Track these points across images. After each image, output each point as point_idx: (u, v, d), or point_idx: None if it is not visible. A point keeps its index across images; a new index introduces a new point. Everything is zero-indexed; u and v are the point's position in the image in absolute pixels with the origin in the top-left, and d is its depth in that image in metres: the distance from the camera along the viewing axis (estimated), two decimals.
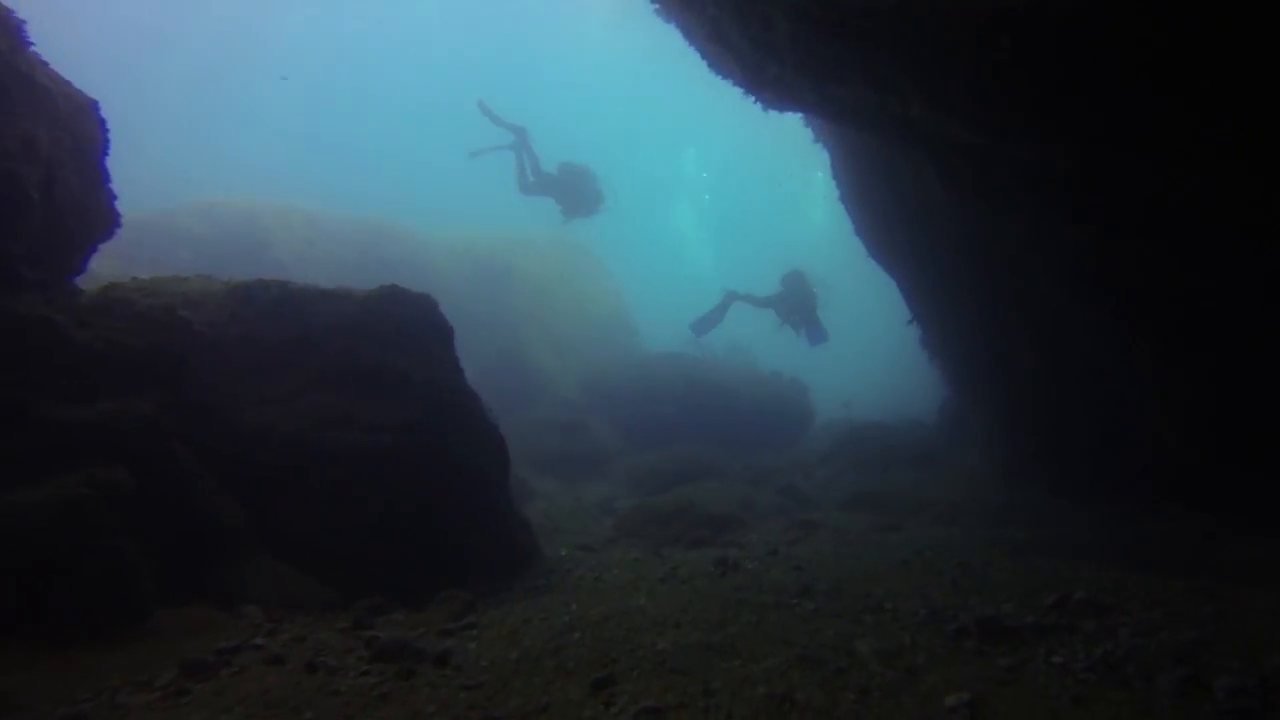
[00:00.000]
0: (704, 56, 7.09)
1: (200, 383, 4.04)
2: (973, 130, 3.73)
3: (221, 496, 3.77)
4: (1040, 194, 4.70)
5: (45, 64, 4.55)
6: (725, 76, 7.17)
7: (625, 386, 15.47)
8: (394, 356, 4.52)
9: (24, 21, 4.39)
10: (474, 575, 4.44)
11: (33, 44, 4.46)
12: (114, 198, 4.94)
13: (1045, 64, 3.05)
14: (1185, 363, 5.70)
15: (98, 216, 4.65)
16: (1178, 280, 4.66)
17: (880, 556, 5.39)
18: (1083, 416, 8.07)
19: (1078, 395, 7.95)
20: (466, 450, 4.63)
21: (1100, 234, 4.80)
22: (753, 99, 7.43)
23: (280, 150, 44.35)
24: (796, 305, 14.89)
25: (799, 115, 10.20)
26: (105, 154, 4.93)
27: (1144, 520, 6.70)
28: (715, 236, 57.81)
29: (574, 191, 15.53)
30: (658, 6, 7.27)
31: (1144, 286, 5.15)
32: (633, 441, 14.69)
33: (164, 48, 42.34)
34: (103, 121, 4.91)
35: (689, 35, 7.03)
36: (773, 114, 7.82)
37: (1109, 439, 7.96)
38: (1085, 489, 8.75)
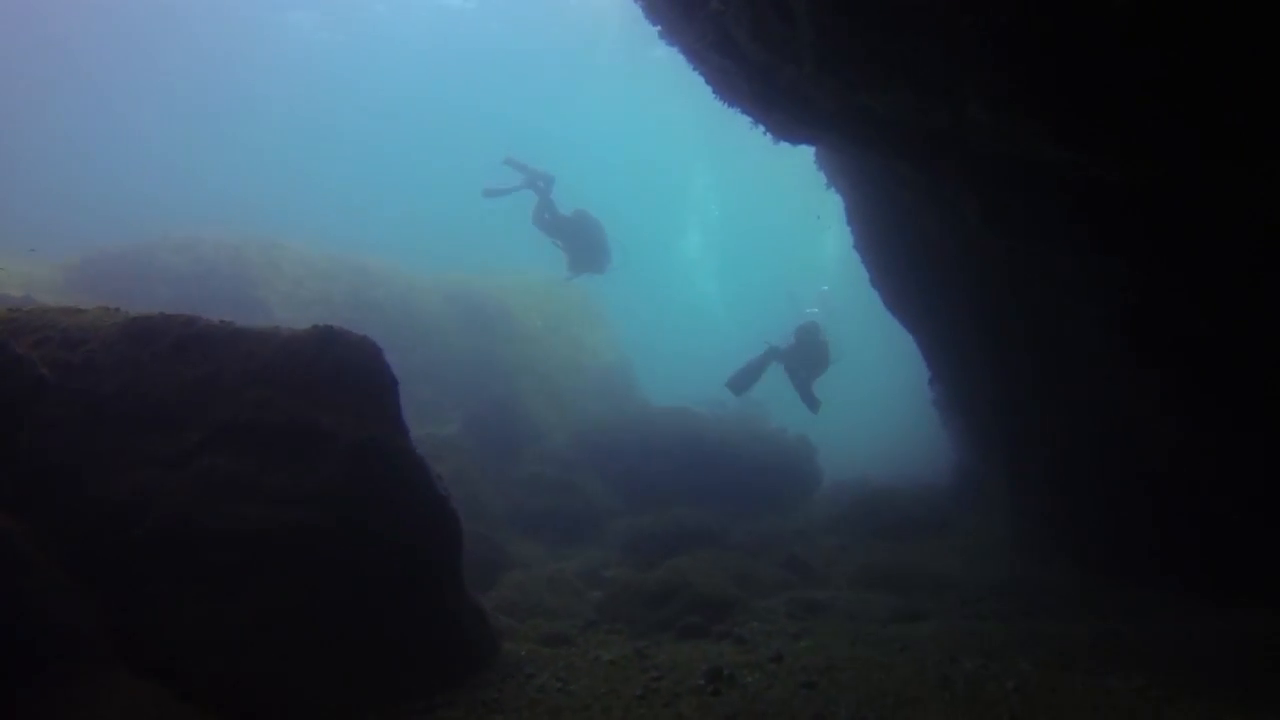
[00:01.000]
0: (709, 82, 6.39)
1: (47, 441, 3.22)
2: (1053, 138, 2.95)
3: (61, 590, 2.92)
4: (1102, 226, 3.90)
5: None
6: (732, 103, 6.46)
7: (622, 441, 14.56)
8: (320, 411, 3.70)
9: None
10: (409, 686, 3.56)
11: None
12: None
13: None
14: (1267, 430, 4.83)
15: None
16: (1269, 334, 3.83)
17: (910, 668, 4.45)
18: (1125, 488, 7.16)
19: (1118, 464, 7.06)
20: (405, 528, 3.77)
21: (1170, 274, 3.99)
22: (761, 129, 6.71)
23: (270, 184, 43.86)
24: (805, 360, 14.11)
25: (811, 152, 9.51)
26: None
27: (1214, 615, 5.76)
28: (724, 264, 56.71)
29: (584, 243, 14.87)
30: (660, 29, 6.59)
31: (1219, 335, 4.31)
32: (628, 500, 13.73)
33: (150, 67, 41.94)
34: None
35: (693, 58, 6.34)
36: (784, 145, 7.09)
37: (1156, 515, 7.05)
38: (1119, 566, 7.82)
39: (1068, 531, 8.70)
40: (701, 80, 6.52)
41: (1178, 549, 6.79)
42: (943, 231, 7.17)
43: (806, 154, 9.51)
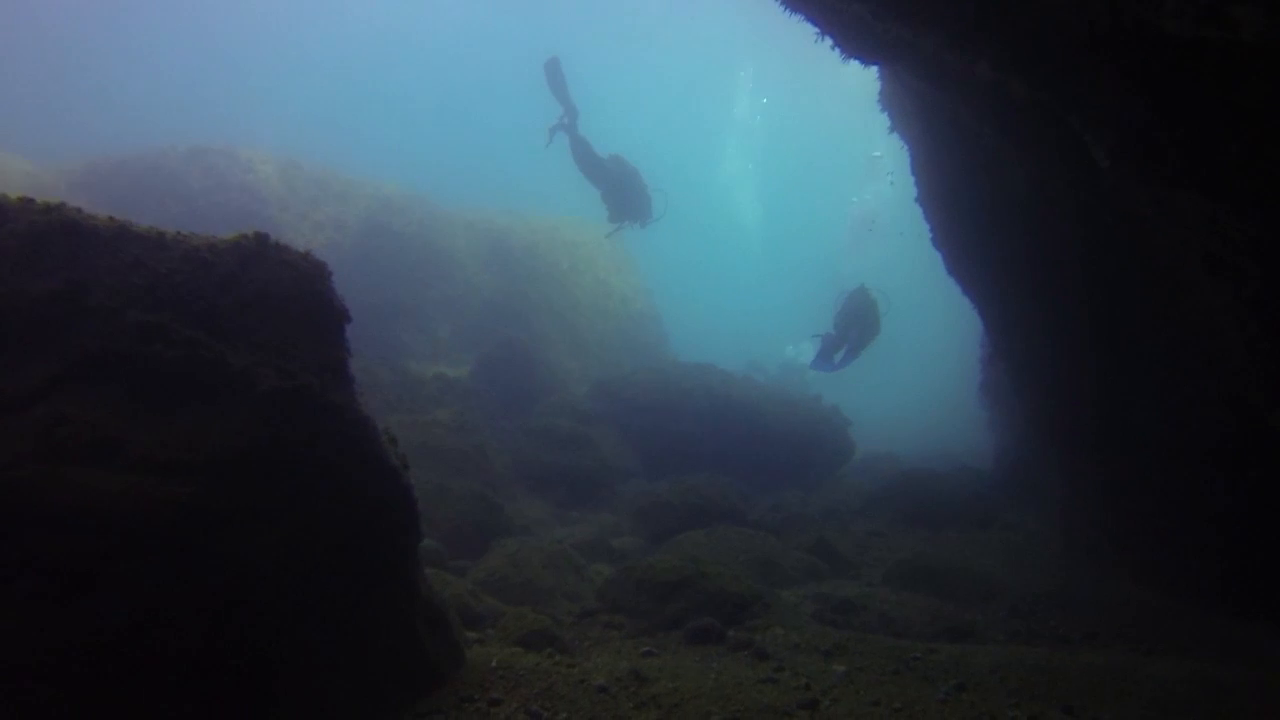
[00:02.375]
0: None
1: None
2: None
3: None
4: None
5: None
6: (796, 9, 5.31)
7: (643, 396, 13.64)
8: (233, 347, 2.78)
9: None
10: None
11: None
12: None
13: None
14: None
15: None
16: None
17: None
18: (1217, 501, 6.08)
19: (1216, 474, 5.98)
20: (339, 512, 2.87)
21: None
22: (829, 42, 5.55)
23: (293, 116, 42.67)
24: (854, 325, 13.05)
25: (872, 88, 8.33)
26: None
27: None
28: (765, 186, 54.39)
29: (622, 191, 13.77)
30: None
31: None
32: (645, 460, 12.88)
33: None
34: None
35: None
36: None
37: (1251, 537, 5.99)
38: (1192, 587, 6.79)
39: (1130, 540, 7.67)
40: None
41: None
42: (1034, 187, 6.03)
43: (864, 85, 8.33)
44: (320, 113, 44.57)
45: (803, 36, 5.49)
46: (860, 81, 8.51)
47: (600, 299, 18.55)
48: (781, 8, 5.33)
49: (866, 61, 5.80)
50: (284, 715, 2.59)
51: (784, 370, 18.84)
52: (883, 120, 9.11)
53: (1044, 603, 6.95)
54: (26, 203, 2.62)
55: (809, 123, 46.03)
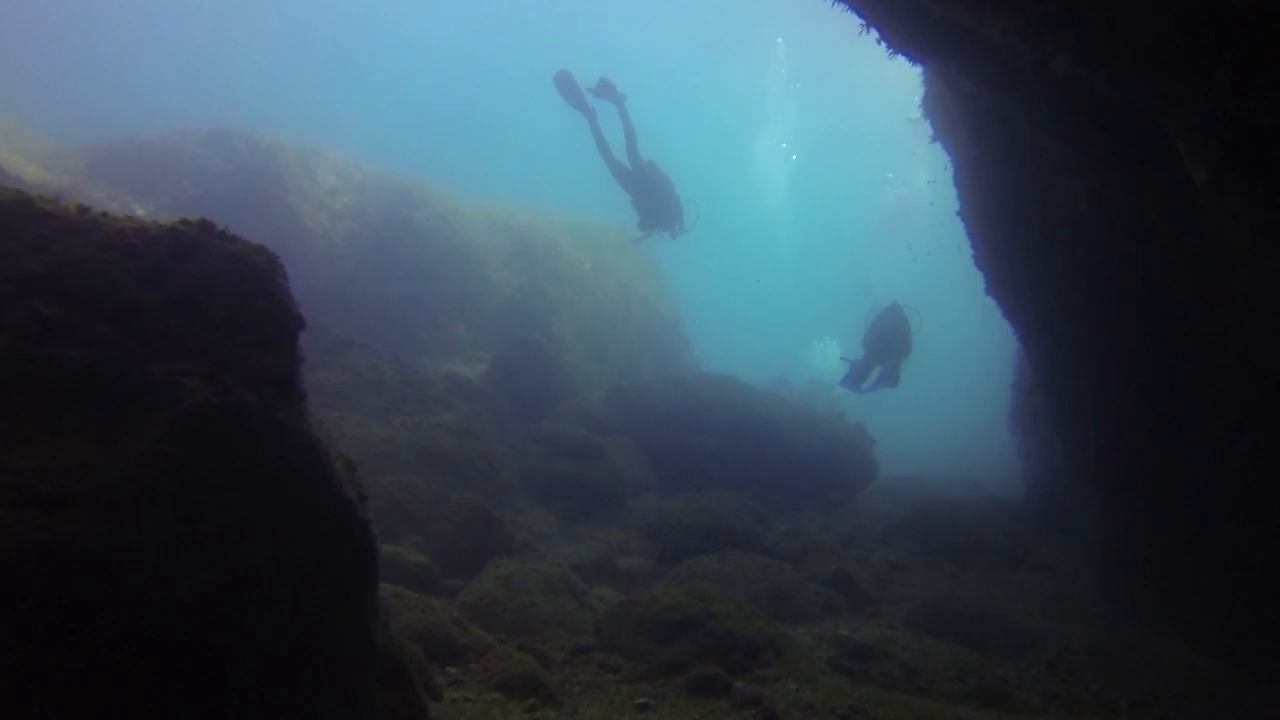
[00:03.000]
0: None
1: None
2: None
3: None
4: None
5: None
6: None
7: (660, 405, 13.14)
8: (155, 353, 2.33)
9: None
10: None
11: None
12: None
13: None
14: None
15: None
16: None
17: None
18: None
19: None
20: (275, 555, 2.41)
21: None
22: (874, 35, 5.02)
23: (312, 106, 42.30)
24: (887, 346, 12.50)
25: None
26: None
27: None
28: (797, 184, 53.31)
29: (653, 197, 13.36)
30: None
31: None
32: (660, 473, 12.37)
33: None
34: None
35: None
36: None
37: None
38: (1250, 652, 6.17)
39: (1180, 597, 7.05)
40: None
41: None
42: (1096, 204, 5.46)
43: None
44: (339, 103, 44.35)
45: (843, 24, 4.97)
46: (897, 75, 7.98)
47: (622, 303, 18.09)
48: None
49: (915, 58, 5.27)
50: None
51: (811, 386, 18.25)
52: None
53: (1084, 660, 6.37)
54: None
55: (842, 113, 44.98)
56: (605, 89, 13.13)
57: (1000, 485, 18.65)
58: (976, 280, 9.39)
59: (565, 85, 13.17)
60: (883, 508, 13.41)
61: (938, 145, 8.79)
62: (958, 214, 8.05)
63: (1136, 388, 6.27)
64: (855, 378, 13.65)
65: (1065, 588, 8.61)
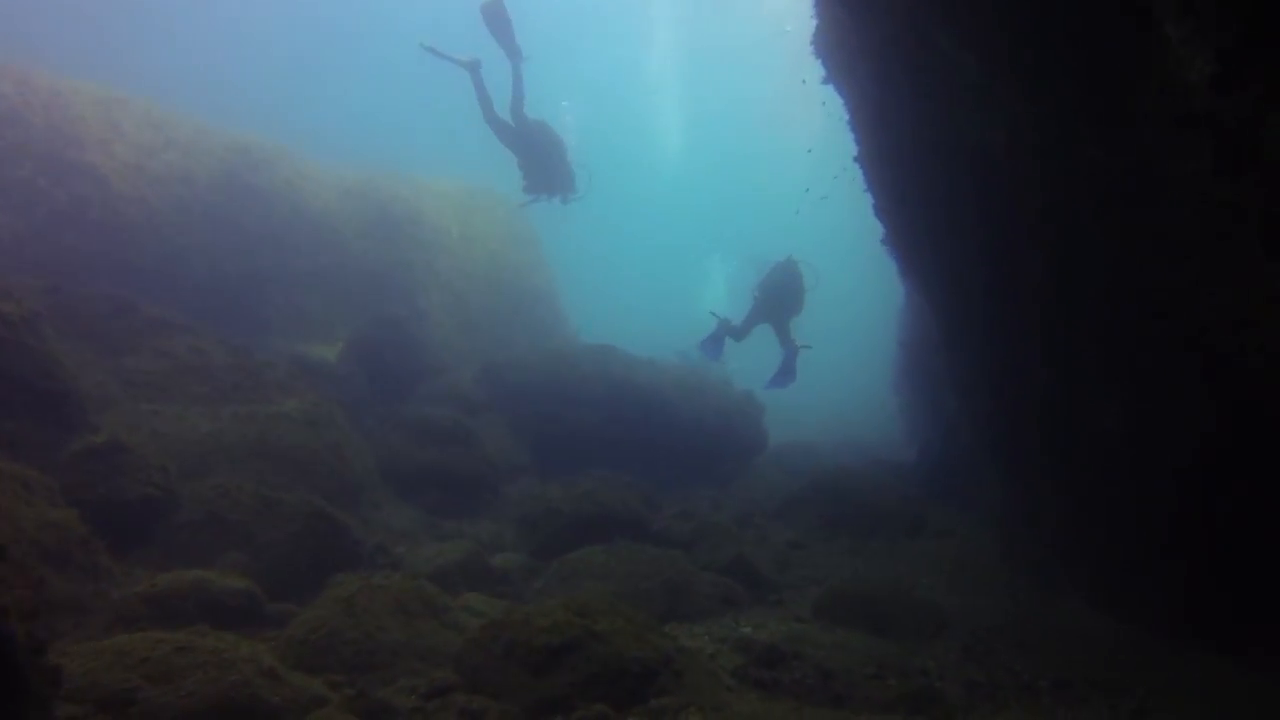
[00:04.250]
0: None
1: None
2: None
3: None
4: None
5: None
6: None
7: (536, 380, 12.16)
8: None
9: None
10: None
11: None
12: None
13: None
14: None
15: None
16: None
17: None
18: (1192, 517, 5.11)
19: (1187, 489, 5.01)
20: None
21: None
22: None
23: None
24: (780, 299, 11.91)
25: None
26: None
27: None
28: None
29: (540, 158, 12.09)
30: None
31: None
32: (538, 454, 11.42)
33: None
34: None
35: None
36: None
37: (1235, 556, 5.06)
38: (1164, 619, 5.89)
39: (1082, 560, 6.77)
40: None
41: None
42: (1017, 137, 4.86)
43: None
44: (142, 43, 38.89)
45: None
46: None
47: (494, 271, 16.88)
48: None
49: None
50: None
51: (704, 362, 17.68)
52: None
53: (998, 639, 5.92)
54: None
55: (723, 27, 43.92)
56: (501, 26, 11.57)
57: (887, 447, 18.80)
58: (860, 233, 8.82)
59: (495, 17, 11.43)
60: (776, 478, 12.97)
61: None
62: (855, 159, 7.41)
63: (1042, 344, 5.80)
64: (718, 338, 12.81)
65: (964, 553, 8.29)
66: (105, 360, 7.59)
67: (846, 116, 7.99)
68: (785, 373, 12.72)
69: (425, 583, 5.45)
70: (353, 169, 15.91)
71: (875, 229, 8.15)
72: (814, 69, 8.16)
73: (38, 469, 5.32)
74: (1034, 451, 6.78)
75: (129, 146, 12.00)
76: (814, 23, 7.85)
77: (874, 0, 4.82)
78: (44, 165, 10.64)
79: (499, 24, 11.46)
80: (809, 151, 14.19)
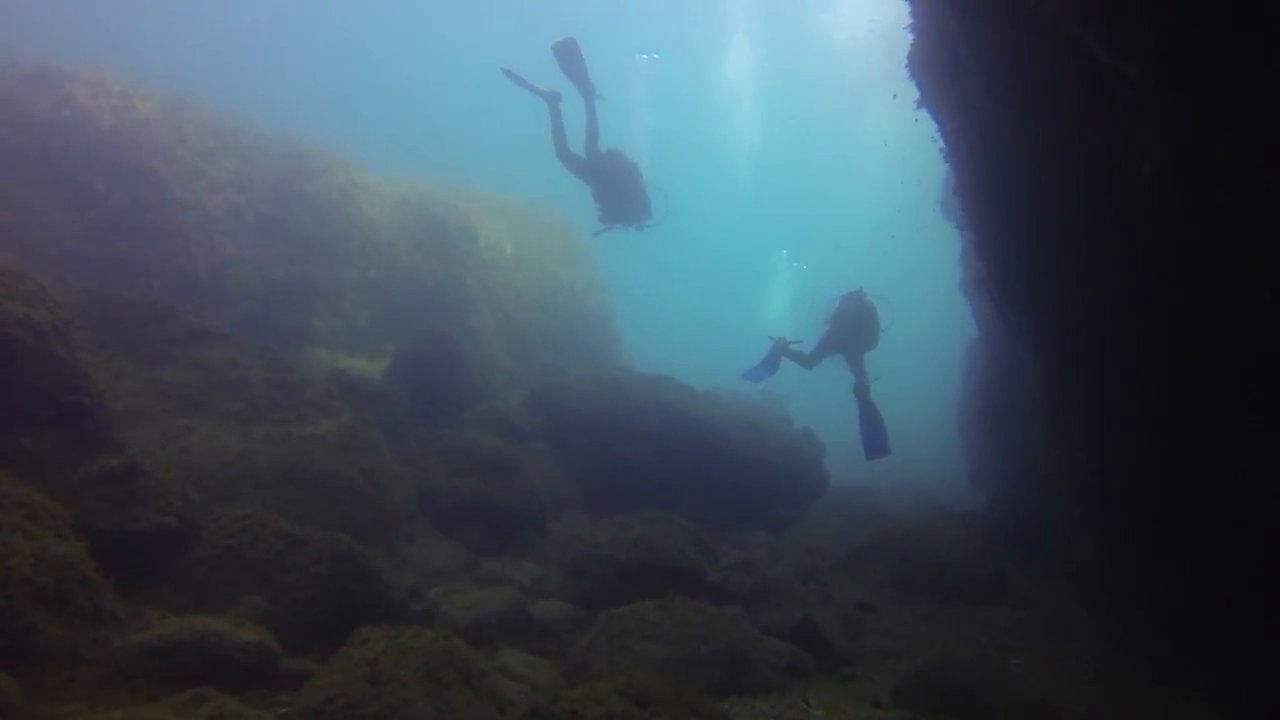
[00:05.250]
0: None
1: None
2: None
3: None
4: None
5: None
6: None
7: (586, 409, 11.56)
8: None
9: None
10: None
11: None
12: None
13: None
14: None
15: None
16: None
17: None
18: None
19: None
20: None
21: None
22: None
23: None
24: (854, 334, 11.18)
25: None
26: None
27: None
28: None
29: (615, 188, 11.76)
30: None
31: None
32: (586, 488, 10.80)
33: None
34: None
35: None
36: None
37: None
38: None
39: (1206, 650, 5.88)
40: None
41: None
42: (1177, 165, 4.11)
43: None
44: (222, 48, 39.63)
45: None
46: None
47: (547, 293, 16.41)
48: None
49: None
50: None
51: (762, 395, 16.90)
52: None
53: None
54: None
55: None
56: (574, 64, 11.28)
57: (949, 489, 17.76)
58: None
59: (567, 55, 11.21)
60: (836, 523, 12.14)
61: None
62: (955, 191, 6.68)
63: (1185, 398, 4.99)
64: (773, 361, 11.80)
65: (1057, 628, 7.41)
66: (142, 370, 7.19)
67: (941, 145, 7.28)
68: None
69: (459, 644, 4.82)
70: (408, 180, 15.61)
71: (945, 266, 7.44)
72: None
73: (51, 492, 4.87)
74: (1151, 517, 5.93)
75: (190, 152, 11.81)
76: (910, 39, 7.19)
77: (1011, 7, 4.14)
78: (107, 169, 10.46)
79: (572, 62, 11.22)
80: (885, 145, 13.41)
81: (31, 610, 3.89)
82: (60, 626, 4.06)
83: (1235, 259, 4.13)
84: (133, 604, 4.73)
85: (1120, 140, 4.42)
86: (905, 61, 7.20)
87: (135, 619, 4.56)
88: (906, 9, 6.76)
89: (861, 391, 11.31)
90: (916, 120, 7.30)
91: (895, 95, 6.92)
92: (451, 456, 8.98)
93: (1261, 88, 3.29)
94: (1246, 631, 5.26)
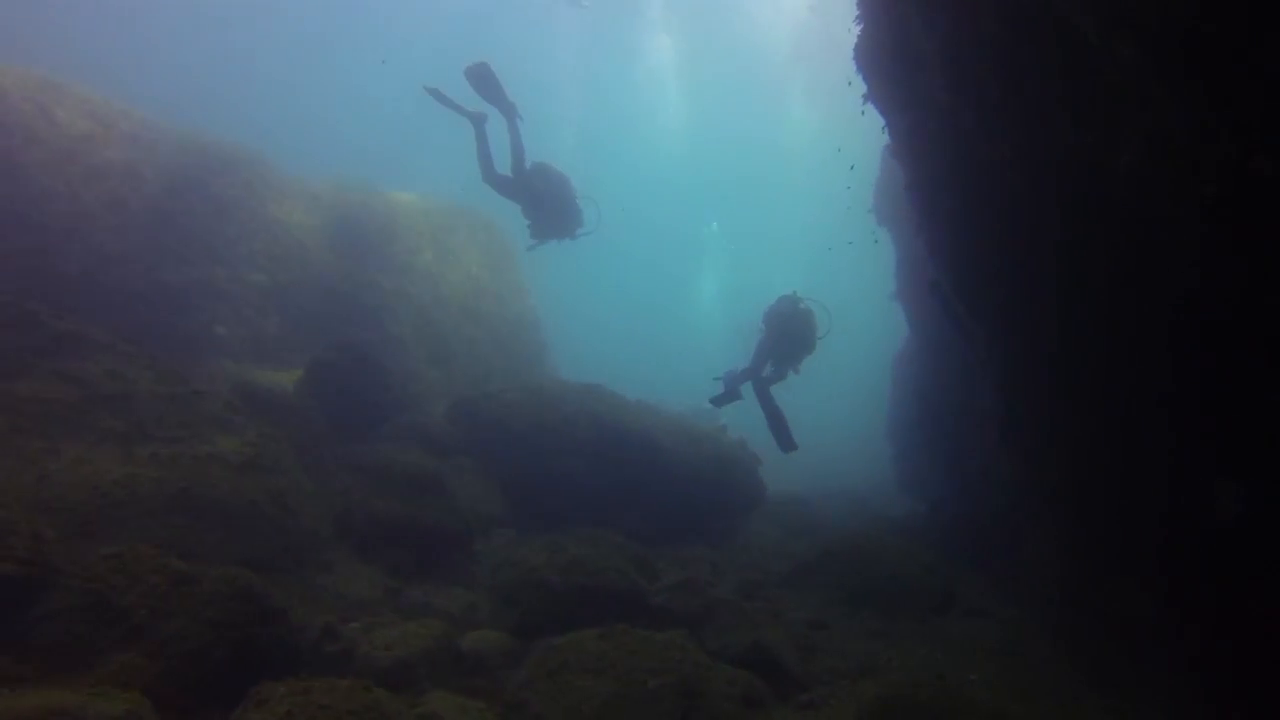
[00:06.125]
0: None
1: None
2: None
3: None
4: None
5: None
6: None
7: (514, 421, 10.92)
8: None
9: None
10: None
11: None
12: None
13: None
14: None
15: None
16: None
17: None
18: None
19: None
20: None
21: None
22: None
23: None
24: (789, 344, 10.87)
25: None
26: None
27: None
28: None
29: (547, 204, 11.62)
30: None
31: None
32: (515, 502, 10.16)
33: None
34: None
35: None
36: None
37: None
38: None
39: (1181, 665, 5.70)
40: None
41: None
42: (1153, 152, 3.86)
43: None
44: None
45: None
46: None
47: (471, 298, 15.65)
48: None
49: None
50: None
51: (693, 410, 16.52)
52: None
53: None
54: None
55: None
56: (490, 88, 11.04)
57: (878, 496, 17.75)
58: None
59: (482, 79, 11.03)
60: (774, 535, 11.85)
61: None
62: (906, 187, 6.38)
63: (1151, 402, 4.77)
64: (731, 394, 11.52)
65: (1013, 642, 7.18)
66: None
67: (888, 140, 6.99)
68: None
69: (381, 695, 4.19)
70: (321, 179, 14.66)
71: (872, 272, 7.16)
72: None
73: None
74: (1116, 528, 5.73)
75: (63, 135, 10.66)
76: (857, 30, 6.88)
77: None
78: None
79: (487, 85, 11.11)
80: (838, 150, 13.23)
81: None
82: None
83: (1216, 255, 3.89)
84: None
85: (1098, 133, 4.14)
86: (852, 54, 6.89)
87: None
88: None
89: (762, 389, 11.08)
90: (864, 113, 6.99)
91: (850, 82, 6.61)
92: (370, 474, 8.23)
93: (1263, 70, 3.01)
94: (1209, 645, 5.07)
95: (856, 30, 6.81)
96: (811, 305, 11.14)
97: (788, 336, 10.91)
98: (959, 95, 5.02)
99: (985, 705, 5.63)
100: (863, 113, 6.91)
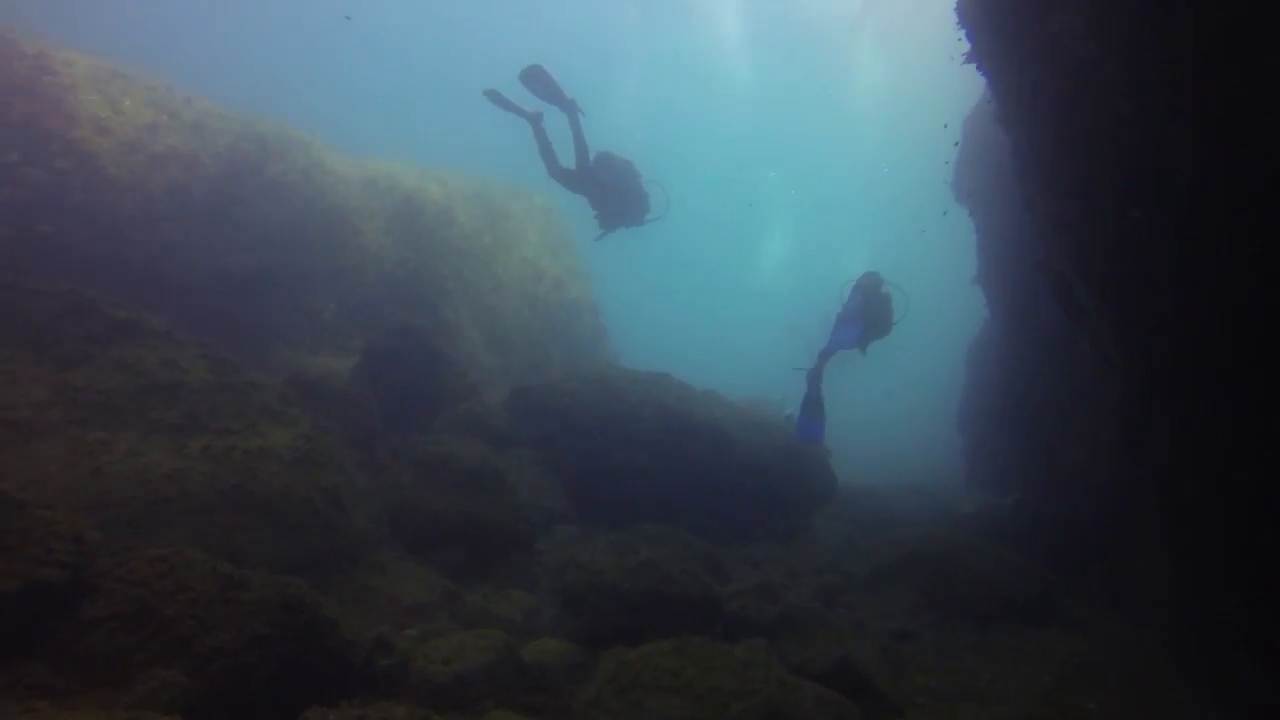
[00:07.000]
0: None
1: None
2: None
3: None
4: None
5: None
6: None
7: (577, 411, 10.49)
8: None
9: None
10: None
11: None
12: None
13: None
14: None
15: None
16: None
17: None
18: None
19: None
20: None
21: None
22: None
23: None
24: (870, 322, 10.29)
25: None
26: None
27: None
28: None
29: (612, 192, 11.38)
30: None
31: None
32: (577, 496, 9.74)
33: None
34: None
35: None
36: None
37: None
38: None
39: None
40: None
41: None
42: None
43: None
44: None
45: None
46: None
47: (529, 283, 15.29)
48: None
49: None
50: None
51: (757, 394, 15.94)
52: None
53: None
54: None
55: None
56: (547, 88, 10.82)
57: (943, 487, 16.93)
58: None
59: (537, 80, 10.82)
60: (847, 531, 11.20)
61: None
62: (1018, 174, 5.70)
63: None
64: (815, 402, 10.83)
65: (1127, 660, 6.48)
66: (50, 374, 6.02)
67: (994, 103, 6.29)
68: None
69: (467, 661, 3.78)
70: (378, 162, 14.41)
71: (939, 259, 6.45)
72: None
73: None
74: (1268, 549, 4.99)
75: (127, 124, 10.55)
76: None
77: None
78: (18, 138, 9.19)
79: (544, 86, 10.87)
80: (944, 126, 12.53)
81: None
82: None
83: None
84: None
85: None
86: (954, 7, 6.20)
87: None
88: None
89: (815, 372, 10.46)
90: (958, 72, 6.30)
91: (951, 57, 5.94)
92: (426, 469, 7.87)
93: None
94: None
95: None
96: (890, 290, 10.48)
97: (866, 315, 10.33)
98: (1102, 43, 4.34)
99: None
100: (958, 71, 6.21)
